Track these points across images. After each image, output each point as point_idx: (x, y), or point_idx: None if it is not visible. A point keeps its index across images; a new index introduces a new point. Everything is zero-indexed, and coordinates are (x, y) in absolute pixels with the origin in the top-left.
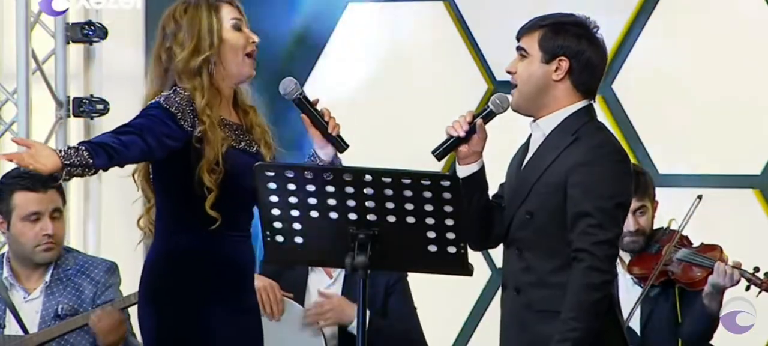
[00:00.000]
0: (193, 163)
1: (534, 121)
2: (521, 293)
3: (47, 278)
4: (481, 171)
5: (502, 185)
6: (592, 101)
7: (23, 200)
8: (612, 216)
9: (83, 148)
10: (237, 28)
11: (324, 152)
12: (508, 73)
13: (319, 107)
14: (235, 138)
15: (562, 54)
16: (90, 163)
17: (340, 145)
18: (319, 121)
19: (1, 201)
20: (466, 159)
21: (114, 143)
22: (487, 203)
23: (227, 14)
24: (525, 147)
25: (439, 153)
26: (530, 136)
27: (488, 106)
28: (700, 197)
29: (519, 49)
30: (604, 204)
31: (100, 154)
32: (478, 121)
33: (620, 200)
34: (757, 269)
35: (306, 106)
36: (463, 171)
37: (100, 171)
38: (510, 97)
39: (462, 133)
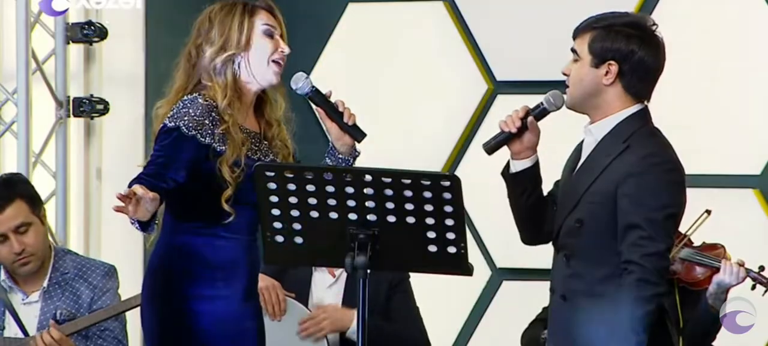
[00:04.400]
0: (212, 161)
1: (587, 126)
2: (568, 301)
3: (45, 283)
4: (535, 167)
5: (557, 183)
6: (646, 103)
7: None
8: (662, 228)
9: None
10: (269, 34)
11: (341, 144)
12: (564, 74)
13: (332, 99)
14: (252, 146)
15: (612, 58)
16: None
17: (357, 134)
18: (335, 112)
19: None
20: (519, 155)
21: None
22: (540, 199)
23: (261, 19)
24: (578, 151)
25: (490, 147)
26: (583, 140)
27: (541, 104)
28: (708, 212)
29: (572, 50)
30: (654, 215)
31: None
32: (530, 119)
33: (671, 211)
34: (762, 268)
35: (319, 98)
36: (517, 166)
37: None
38: (564, 95)
39: (514, 129)
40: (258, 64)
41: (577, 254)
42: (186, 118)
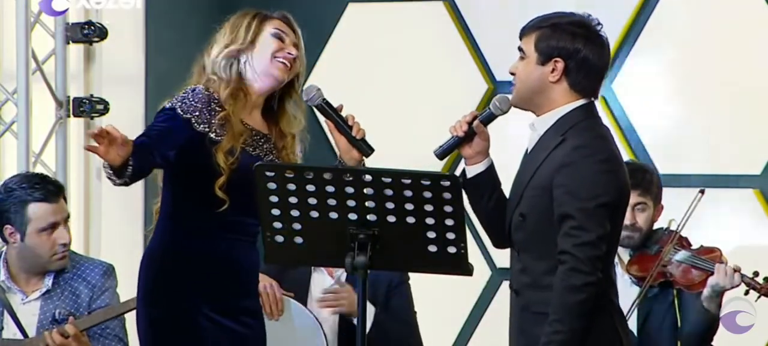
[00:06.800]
0: (208, 148)
1: (532, 121)
2: (520, 295)
3: (49, 283)
4: (489, 170)
5: None
6: (592, 99)
7: (40, 212)
8: (594, 217)
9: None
10: (278, 37)
11: (349, 158)
12: (510, 73)
13: (343, 113)
14: (251, 142)
15: (557, 55)
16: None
17: (365, 149)
18: (344, 126)
19: (15, 213)
20: (471, 160)
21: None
22: (500, 201)
23: (273, 24)
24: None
25: (441, 153)
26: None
27: (488, 109)
28: (702, 192)
29: (519, 49)
30: (585, 205)
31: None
32: (476, 123)
33: (603, 200)
34: (756, 274)
35: (329, 111)
36: (471, 171)
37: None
38: (510, 97)
39: (461, 134)
40: (261, 61)
41: (525, 248)
42: (185, 102)
